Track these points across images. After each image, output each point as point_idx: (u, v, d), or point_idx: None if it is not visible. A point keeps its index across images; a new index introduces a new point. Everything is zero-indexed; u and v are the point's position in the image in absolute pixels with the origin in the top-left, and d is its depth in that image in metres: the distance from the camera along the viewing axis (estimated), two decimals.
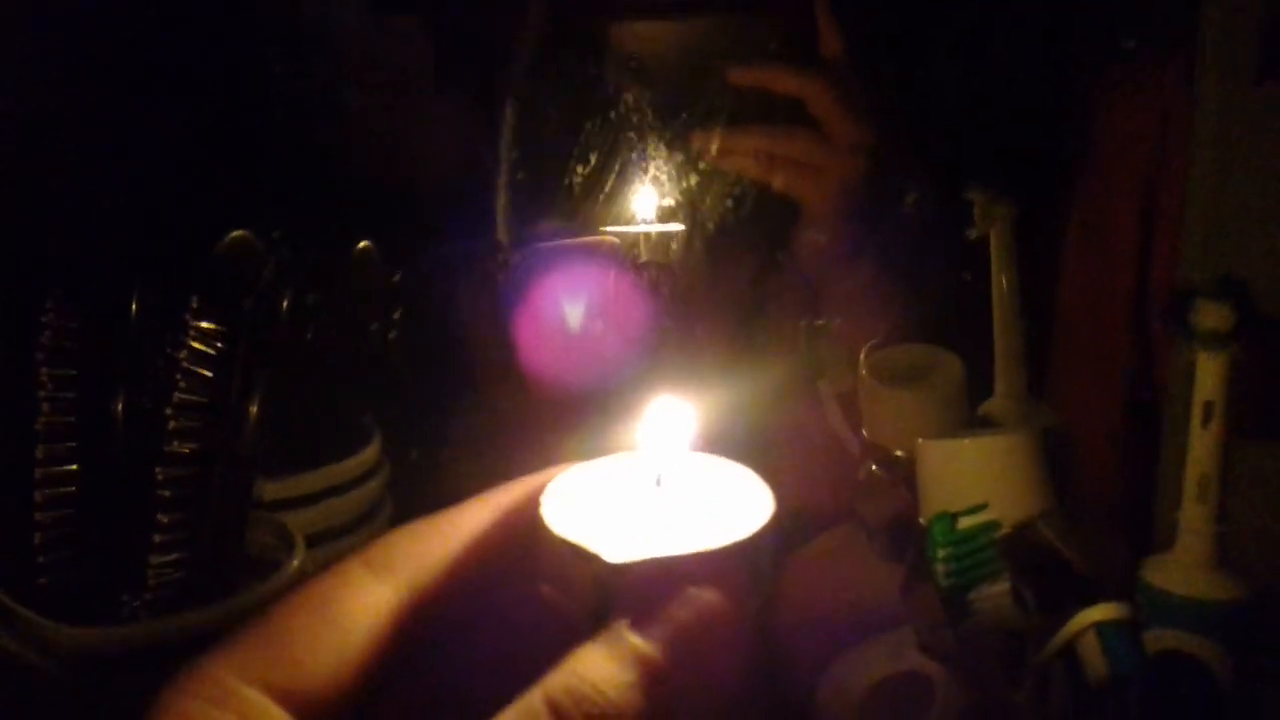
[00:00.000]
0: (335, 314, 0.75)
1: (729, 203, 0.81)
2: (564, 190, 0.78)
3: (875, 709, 0.70)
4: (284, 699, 0.29)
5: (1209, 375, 0.58)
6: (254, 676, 0.29)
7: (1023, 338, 0.80)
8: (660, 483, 0.32)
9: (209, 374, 0.64)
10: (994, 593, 0.61)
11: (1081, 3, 0.90)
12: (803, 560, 0.84)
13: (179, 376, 0.63)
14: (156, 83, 0.80)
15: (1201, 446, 0.59)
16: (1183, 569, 0.60)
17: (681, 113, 0.79)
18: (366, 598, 0.30)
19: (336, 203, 0.84)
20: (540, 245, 0.78)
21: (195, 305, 0.64)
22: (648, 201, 0.77)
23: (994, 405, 0.80)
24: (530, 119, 0.81)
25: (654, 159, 0.77)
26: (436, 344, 0.83)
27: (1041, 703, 0.59)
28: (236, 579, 0.64)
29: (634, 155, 0.76)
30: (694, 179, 0.79)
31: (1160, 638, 0.58)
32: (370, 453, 0.79)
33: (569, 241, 0.79)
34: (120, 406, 0.63)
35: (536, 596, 0.30)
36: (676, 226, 0.78)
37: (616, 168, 0.77)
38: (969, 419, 0.78)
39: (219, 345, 0.65)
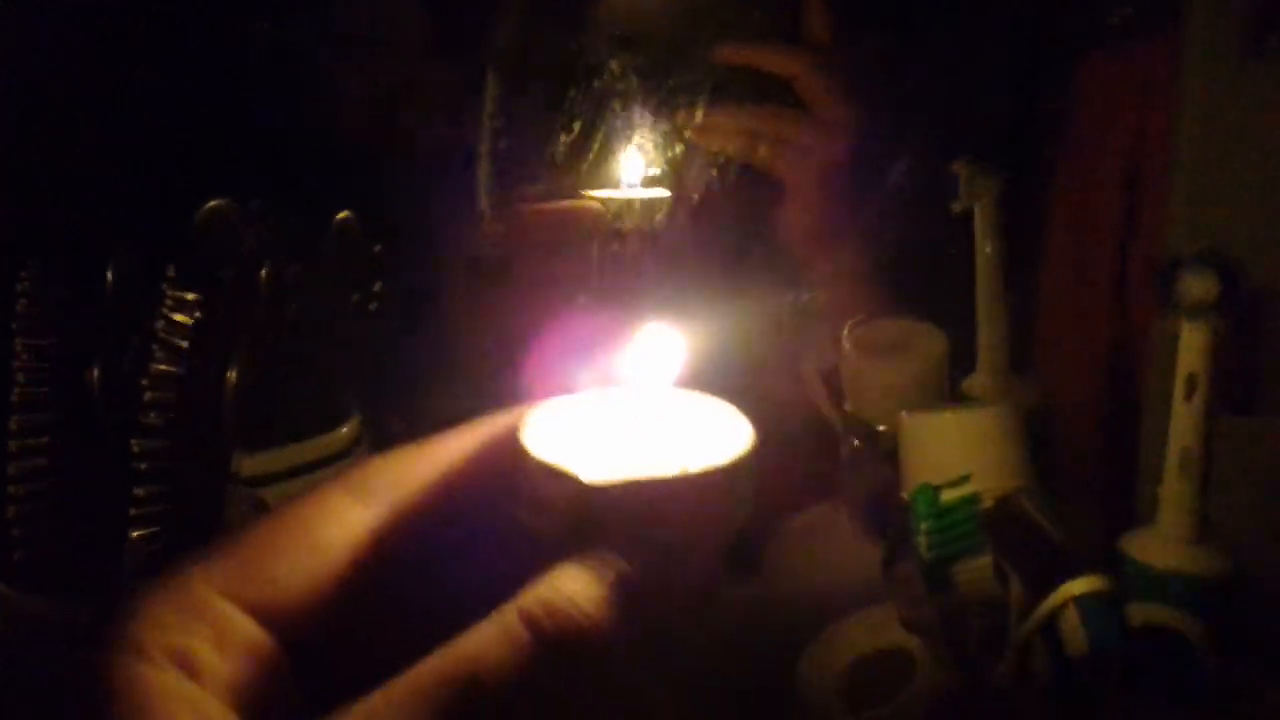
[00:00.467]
0: (315, 285, 0.74)
1: (713, 172, 0.80)
2: (547, 158, 0.78)
3: (857, 684, 0.70)
4: (257, 614, 0.29)
5: (1193, 347, 0.58)
6: (228, 590, 0.29)
7: (1006, 312, 0.79)
8: (643, 413, 0.33)
9: (186, 345, 0.63)
10: (975, 567, 0.61)
11: None
12: (785, 536, 0.84)
13: (155, 347, 0.63)
14: (134, 50, 0.79)
15: (1184, 420, 0.59)
16: (1164, 543, 0.60)
17: (668, 79, 0.79)
18: (344, 520, 0.30)
19: (318, 172, 0.83)
20: (524, 209, 0.78)
21: (172, 275, 0.63)
22: (633, 166, 0.76)
23: (977, 380, 0.80)
24: (513, 87, 0.80)
25: (639, 128, 0.77)
26: (418, 316, 0.82)
27: (1022, 676, 0.59)
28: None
29: (618, 123, 0.76)
30: (678, 148, 0.79)
31: (1141, 611, 0.58)
32: (351, 427, 0.79)
33: (552, 205, 0.78)
34: (96, 377, 0.62)
35: (515, 521, 0.30)
36: (662, 192, 0.78)
37: (600, 136, 0.76)
38: (952, 393, 0.78)
39: (196, 315, 0.64)
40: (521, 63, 0.79)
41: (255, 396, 0.67)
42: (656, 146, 0.76)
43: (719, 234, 0.87)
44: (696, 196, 0.79)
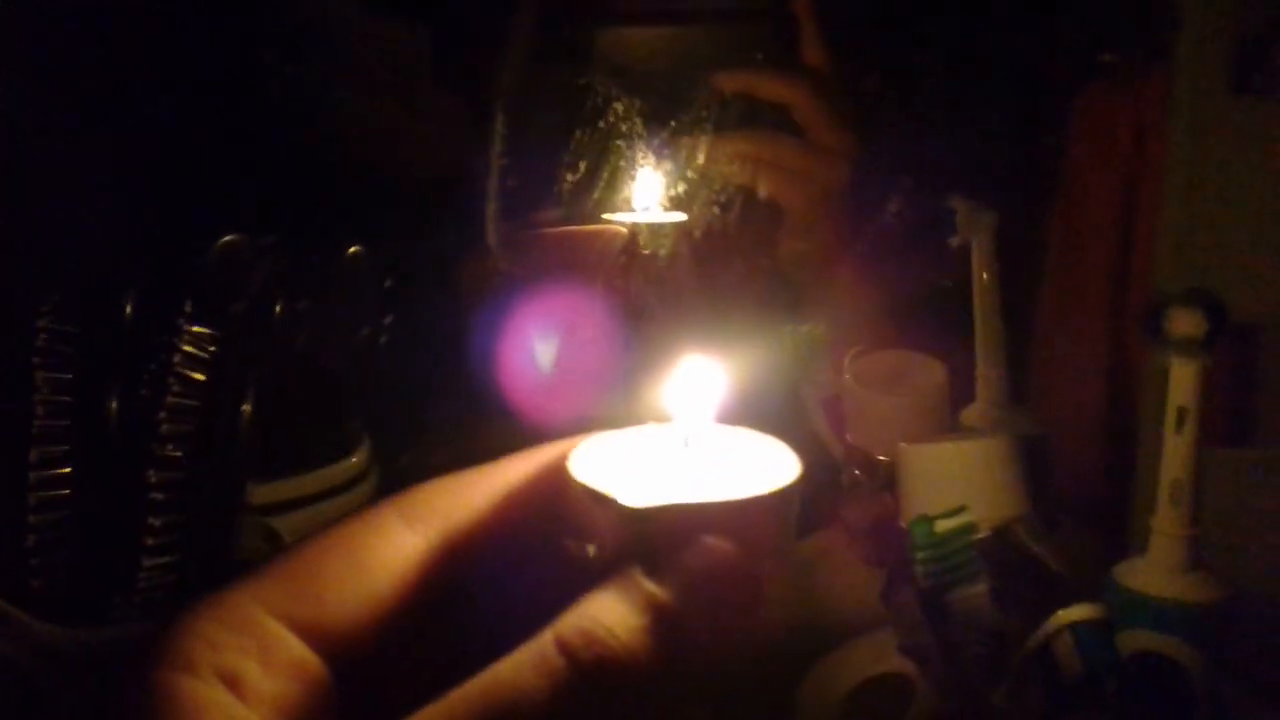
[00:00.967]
0: (326, 319, 0.75)
1: (715, 209, 0.82)
2: (554, 197, 0.79)
3: (857, 711, 0.71)
4: (305, 634, 0.29)
5: (1182, 382, 0.59)
6: (277, 609, 0.29)
7: (1004, 344, 0.81)
8: (688, 444, 0.33)
9: (202, 378, 0.65)
10: (972, 594, 0.62)
11: (1062, 15, 0.92)
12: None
13: (172, 380, 0.64)
14: (149, 85, 0.81)
15: (1174, 452, 0.61)
16: (1156, 571, 0.61)
17: (670, 121, 0.80)
18: (396, 544, 0.30)
19: (329, 207, 0.85)
20: (542, 232, 0.79)
21: (188, 310, 0.65)
22: (649, 190, 0.77)
23: (975, 411, 0.81)
24: (520, 127, 0.81)
25: (643, 166, 0.78)
26: (427, 349, 0.84)
27: (1019, 702, 0.61)
28: (225, 582, 0.65)
29: (623, 163, 0.77)
30: (681, 186, 0.80)
31: (1134, 638, 0.59)
32: (360, 457, 0.80)
33: (573, 229, 0.79)
34: (114, 409, 0.63)
35: (564, 550, 0.30)
36: (678, 216, 0.79)
37: (606, 175, 0.78)
38: (950, 424, 0.80)
39: (211, 349, 0.65)
40: (527, 100, 0.81)
41: (267, 427, 0.68)
42: (660, 185, 0.78)
43: (722, 266, 0.88)
44: (698, 233, 0.80)
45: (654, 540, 0.28)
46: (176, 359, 0.64)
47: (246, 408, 0.66)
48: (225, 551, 0.67)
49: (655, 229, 0.77)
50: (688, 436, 0.33)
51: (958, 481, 0.66)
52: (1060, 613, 0.58)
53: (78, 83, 0.79)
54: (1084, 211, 0.89)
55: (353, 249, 0.79)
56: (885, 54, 0.92)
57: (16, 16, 0.78)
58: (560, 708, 0.26)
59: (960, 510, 0.62)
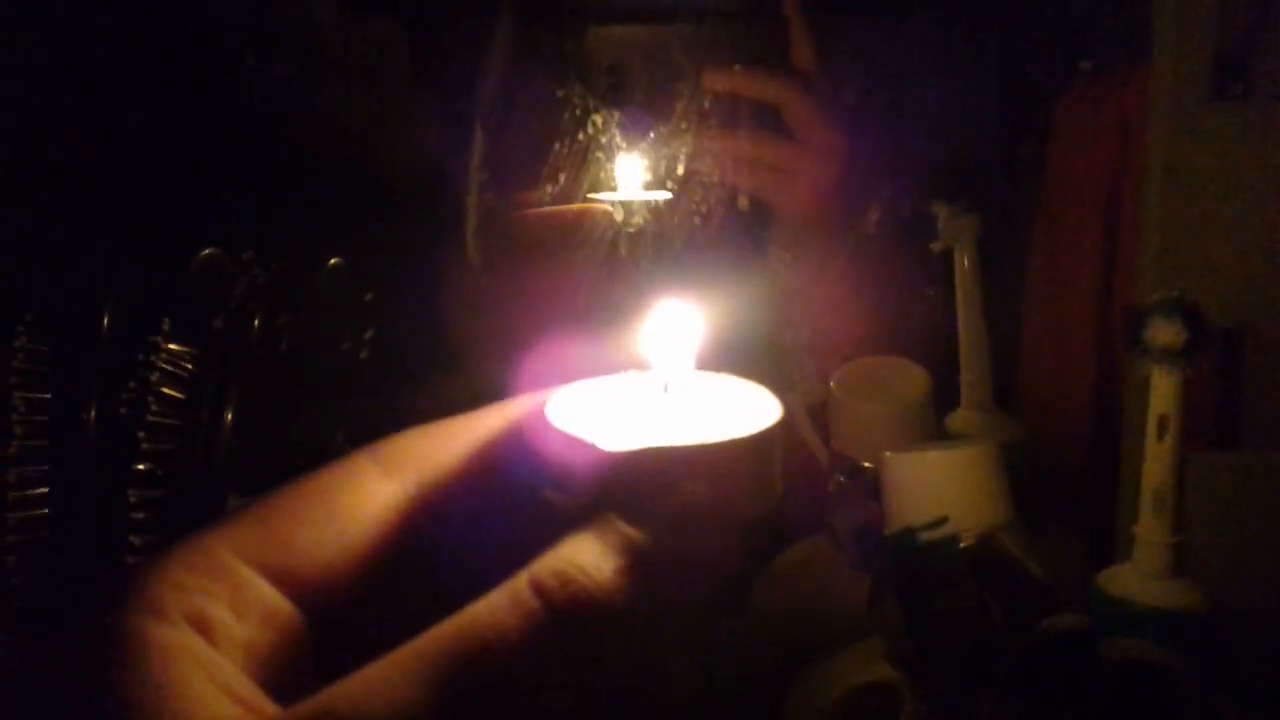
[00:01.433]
0: (306, 333, 0.75)
1: (696, 220, 0.82)
2: (548, 204, 0.79)
3: (845, 718, 0.71)
4: (278, 580, 0.28)
5: (1163, 390, 0.60)
6: (250, 555, 0.28)
7: (987, 350, 0.81)
8: (667, 389, 0.32)
9: (180, 396, 0.64)
10: (956, 603, 0.62)
11: (1042, 21, 0.92)
12: (775, 570, 0.85)
13: (151, 399, 0.64)
14: (123, 98, 0.80)
15: (1156, 459, 0.61)
16: (1140, 579, 0.62)
17: (650, 133, 0.80)
18: (372, 492, 0.30)
19: (307, 220, 0.85)
20: (528, 214, 0.78)
21: (166, 328, 0.65)
22: (633, 169, 0.77)
23: (959, 417, 0.81)
24: (499, 140, 0.81)
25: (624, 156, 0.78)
26: (409, 362, 0.83)
27: (1003, 711, 0.61)
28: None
29: (602, 175, 0.77)
30: (662, 199, 0.80)
31: (1118, 646, 0.59)
32: None
33: (556, 209, 0.78)
34: (93, 429, 0.63)
35: (541, 498, 0.30)
36: (663, 194, 0.78)
37: (585, 188, 0.78)
38: (935, 431, 0.80)
39: (189, 367, 0.65)
40: (507, 109, 0.80)
41: (248, 442, 0.68)
42: (643, 167, 0.78)
43: (708, 271, 0.88)
44: (680, 242, 0.80)
45: (631, 484, 0.28)
46: (154, 377, 0.64)
47: (227, 423, 0.66)
48: None
49: (644, 206, 0.77)
50: (667, 383, 0.32)
51: (942, 490, 0.66)
52: (1045, 622, 0.58)
53: (49, 94, 0.79)
54: (1066, 217, 0.89)
55: (332, 261, 0.79)
56: (869, 57, 0.92)
57: None
58: (535, 648, 0.26)
59: (944, 521, 0.62)
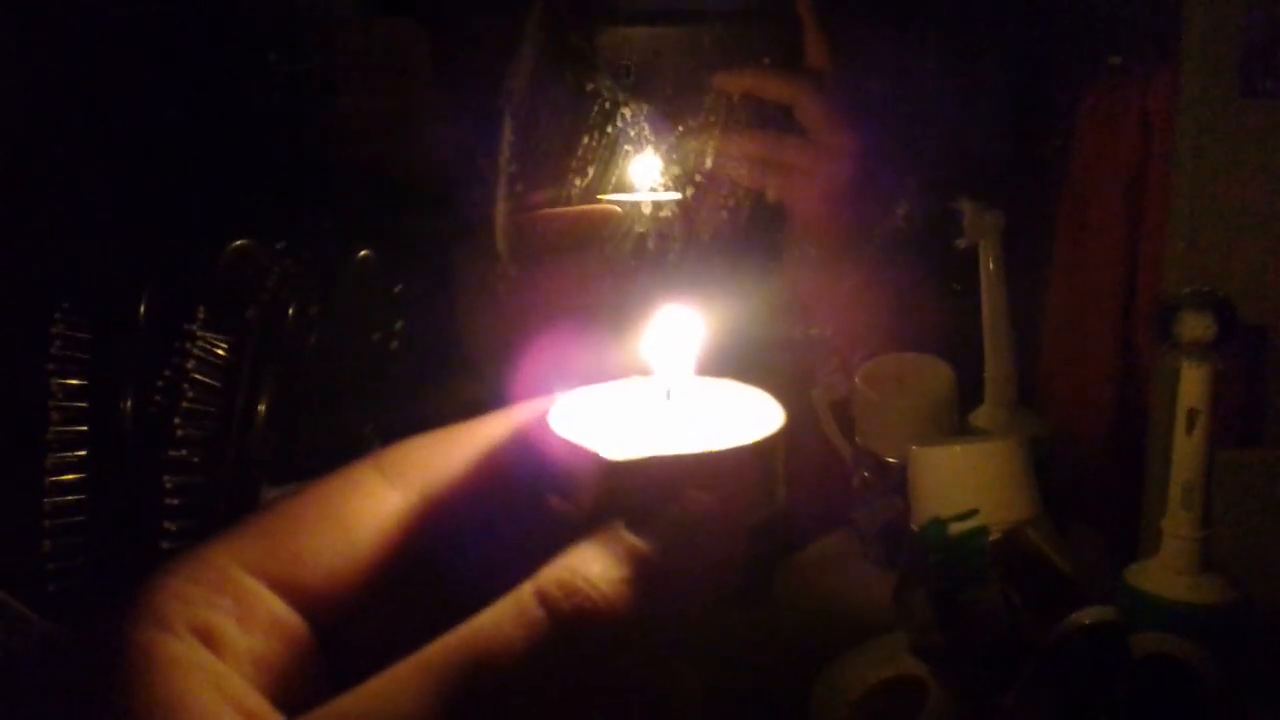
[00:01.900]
0: (337, 324, 0.76)
1: (723, 214, 0.82)
2: (562, 203, 0.79)
3: (870, 713, 0.71)
4: (283, 591, 0.28)
5: (1192, 384, 0.60)
6: (254, 566, 0.28)
7: (1011, 346, 0.81)
8: (670, 396, 0.32)
9: (215, 383, 0.65)
10: (984, 597, 0.62)
11: (1068, 17, 0.92)
12: (799, 565, 0.85)
13: (186, 385, 0.64)
14: (155, 90, 0.81)
15: (1185, 454, 0.61)
16: (1168, 573, 0.62)
17: (678, 126, 0.80)
18: (377, 501, 0.30)
19: (338, 211, 0.85)
20: (539, 214, 0.79)
21: (201, 315, 0.65)
22: (648, 170, 0.77)
23: (984, 413, 0.81)
24: (528, 133, 0.82)
25: (644, 153, 0.78)
26: (437, 352, 0.84)
27: (1031, 705, 0.61)
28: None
29: (630, 168, 0.78)
30: (690, 191, 0.80)
31: (1146, 641, 0.59)
32: None
33: (567, 209, 0.79)
34: (129, 415, 0.64)
35: (544, 505, 0.30)
36: (674, 195, 0.79)
37: (614, 180, 0.78)
38: (959, 426, 0.80)
39: (224, 354, 0.66)
40: (535, 110, 0.81)
41: (279, 431, 0.68)
42: (668, 189, 0.78)
43: (734, 266, 0.89)
44: (707, 237, 0.80)
45: (635, 493, 0.28)
46: (190, 364, 0.65)
47: (260, 411, 0.66)
48: None
49: (653, 207, 0.77)
50: (669, 389, 0.32)
51: (969, 484, 0.66)
52: (1072, 616, 0.58)
53: (82, 89, 0.79)
54: (1091, 212, 0.89)
55: (362, 253, 0.79)
56: (890, 55, 0.93)
57: (23, 23, 0.78)
58: (539, 659, 0.26)
59: (972, 513, 0.62)
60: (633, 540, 0.27)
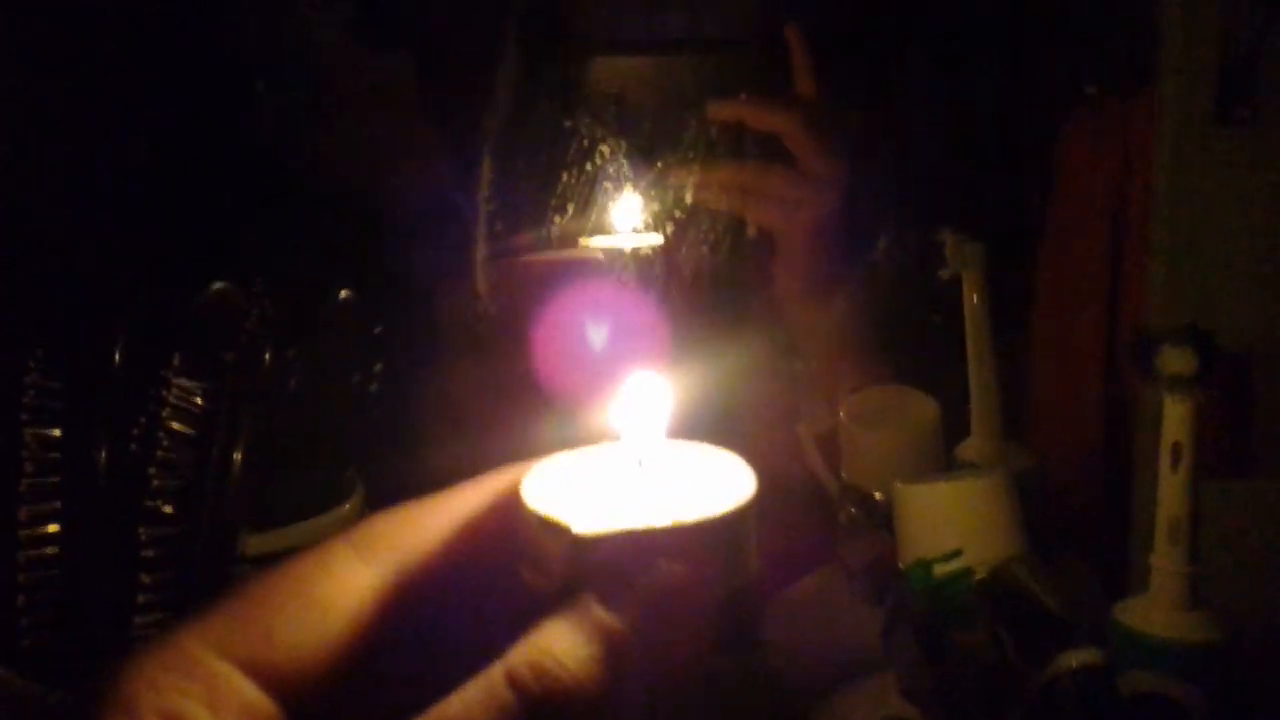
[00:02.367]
0: (316, 366, 0.75)
1: (704, 249, 0.82)
2: (541, 240, 0.79)
3: None
4: (256, 674, 0.28)
5: (1175, 418, 0.59)
6: (225, 650, 0.28)
7: (997, 378, 0.81)
8: (642, 464, 0.32)
9: (191, 431, 0.64)
10: (972, 638, 0.62)
11: (1046, 47, 0.92)
12: (785, 603, 0.84)
13: (161, 434, 0.64)
14: (137, 131, 0.81)
15: (1171, 488, 0.60)
16: (1157, 611, 0.61)
17: (657, 161, 0.80)
18: (347, 578, 0.30)
19: (319, 247, 0.85)
20: (522, 260, 0.79)
21: (176, 363, 0.65)
22: (627, 215, 0.77)
23: (970, 446, 0.81)
24: (507, 170, 0.81)
25: (625, 194, 0.78)
26: (418, 394, 0.83)
27: None
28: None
29: (610, 205, 0.77)
30: (670, 227, 0.80)
31: (1136, 680, 0.59)
32: (353, 505, 0.80)
33: (552, 256, 0.79)
34: (104, 465, 0.63)
35: (518, 578, 0.29)
36: (655, 238, 0.78)
37: (593, 217, 0.78)
38: (945, 459, 0.79)
39: (200, 402, 0.65)
40: (514, 147, 0.80)
41: (259, 477, 0.68)
42: (648, 226, 0.78)
43: (716, 301, 0.88)
44: (689, 270, 0.80)
45: (606, 566, 0.28)
46: (165, 412, 0.64)
47: (238, 458, 0.66)
48: None
49: (634, 253, 0.77)
50: (641, 456, 0.32)
51: (954, 521, 0.66)
52: (1060, 658, 0.57)
53: (60, 137, 0.79)
54: (1074, 243, 0.89)
55: (342, 294, 0.79)
56: (872, 86, 0.93)
57: None
58: None
59: (958, 553, 0.61)
60: (602, 616, 0.27)
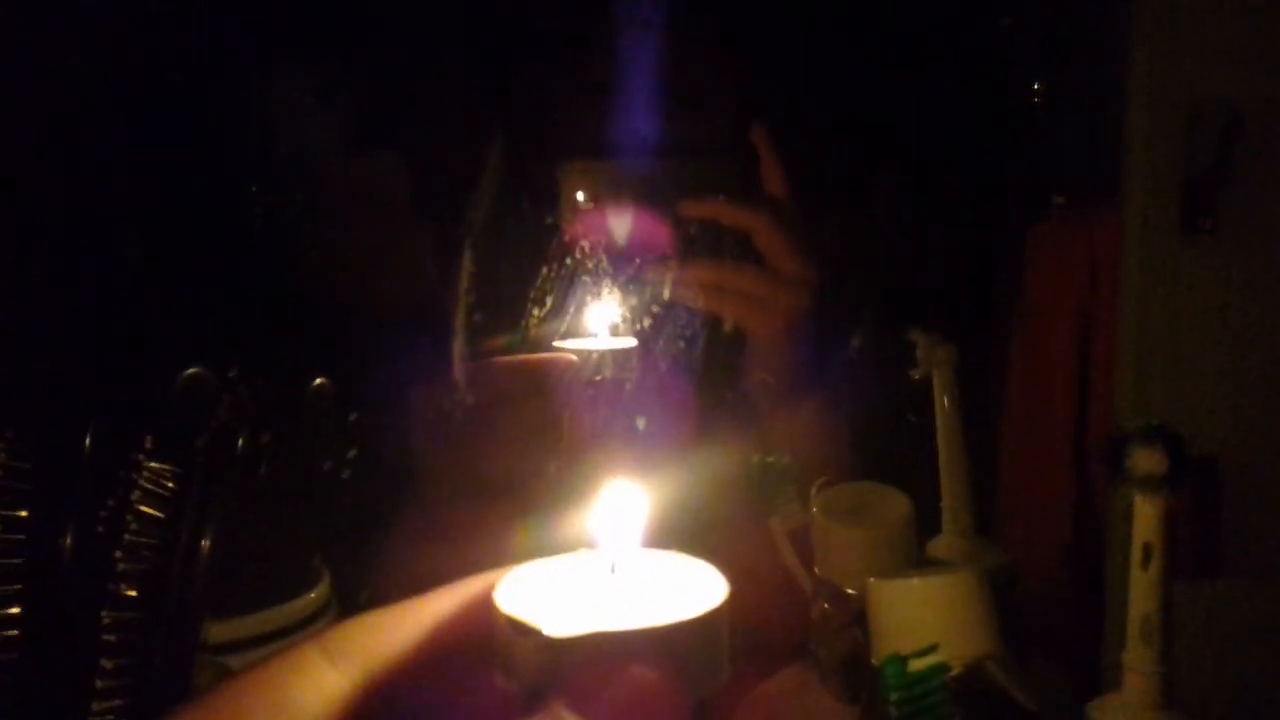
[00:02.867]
0: (289, 453, 0.75)
1: (680, 344, 0.83)
2: (521, 334, 0.80)
3: None
4: None
5: (1146, 519, 0.60)
6: None
7: (968, 476, 0.81)
8: (615, 570, 0.32)
9: (160, 515, 0.64)
10: None
11: (1015, 158, 0.95)
12: (758, 698, 0.83)
13: (130, 517, 0.63)
14: (122, 226, 0.81)
15: (1142, 589, 0.61)
16: (1130, 711, 0.61)
17: (635, 259, 0.81)
18: (320, 683, 0.30)
19: (294, 338, 0.85)
20: (494, 361, 0.79)
21: (148, 446, 0.64)
22: (603, 318, 0.78)
23: (942, 543, 0.81)
24: (487, 264, 0.82)
25: (604, 295, 0.79)
26: (389, 482, 0.83)
27: None
28: None
29: (589, 300, 0.78)
30: (648, 321, 0.81)
31: None
32: (319, 591, 0.79)
33: (525, 357, 0.79)
34: (68, 548, 0.62)
35: (489, 683, 0.29)
36: (630, 341, 0.79)
37: (572, 311, 0.79)
38: (918, 557, 0.79)
39: (170, 486, 0.64)
40: (496, 237, 0.82)
41: (226, 563, 0.67)
42: (626, 321, 0.79)
43: (689, 397, 0.89)
44: (664, 366, 0.81)
45: (577, 670, 0.28)
46: (135, 495, 0.63)
47: (205, 544, 0.65)
48: (180, 694, 0.64)
49: (607, 356, 0.78)
50: (614, 562, 0.32)
51: (928, 618, 0.66)
52: None
53: (47, 218, 0.79)
54: (1043, 345, 0.91)
55: (317, 381, 0.79)
56: (845, 190, 0.95)
57: None
58: None
59: (932, 648, 0.61)
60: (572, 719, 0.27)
